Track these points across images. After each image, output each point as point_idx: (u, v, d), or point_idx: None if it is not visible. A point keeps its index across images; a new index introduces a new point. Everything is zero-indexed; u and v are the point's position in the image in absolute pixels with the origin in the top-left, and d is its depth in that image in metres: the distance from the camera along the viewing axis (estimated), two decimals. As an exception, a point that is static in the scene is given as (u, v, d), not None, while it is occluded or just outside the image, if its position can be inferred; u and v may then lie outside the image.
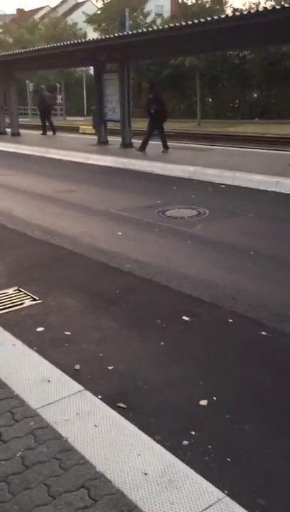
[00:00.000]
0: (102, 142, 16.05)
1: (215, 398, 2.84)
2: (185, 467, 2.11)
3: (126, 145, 15.11)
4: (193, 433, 2.54)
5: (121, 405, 2.73)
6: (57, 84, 40.39)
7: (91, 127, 21.70)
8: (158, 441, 2.35)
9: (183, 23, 11.49)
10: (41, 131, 20.59)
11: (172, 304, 4.21)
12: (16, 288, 4.51)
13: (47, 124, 20.55)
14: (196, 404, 2.78)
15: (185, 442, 2.48)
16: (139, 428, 2.40)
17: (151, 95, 14.40)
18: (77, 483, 1.96)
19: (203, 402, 2.79)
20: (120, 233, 6.37)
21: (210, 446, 2.44)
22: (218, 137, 21.19)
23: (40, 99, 21.02)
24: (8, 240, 6.12)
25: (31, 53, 17.06)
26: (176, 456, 2.23)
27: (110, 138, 16.42)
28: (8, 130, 20.75)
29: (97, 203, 8.10)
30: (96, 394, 2.70)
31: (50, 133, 20.57)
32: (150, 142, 13.87)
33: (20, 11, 63.48)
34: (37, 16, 56.22)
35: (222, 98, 33.68)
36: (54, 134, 20.57)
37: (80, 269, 5.08)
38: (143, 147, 13.50)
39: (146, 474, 2.02)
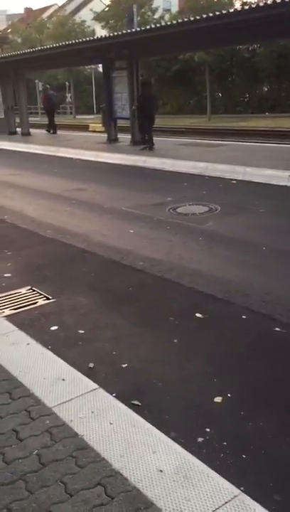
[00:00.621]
0: (112, 140, 16.06)
1: (229, 395, 2.84)
2: (200, 464, 2.12)
3: (136, 142, 15.09)
4: (208, 430, 2.55)
5: (136, 403, 2.74)
6: (66, 83, 40.47)
7: (100, 125, 21.72)
8: (173, 438, 2.36)
9: (192, 18, 11.43)
10: (51, 130, 20.67)
11: (184, 301, 4.21)
12: (29, 287, 4.54)
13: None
14: (211, 401, 2.78)
15: (200, 439, 2.48)
16: (154, 425, 2.41)
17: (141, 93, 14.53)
18: (94, 480, 1.98)
19: (218, 399, 2.80)
20: (131, 231, 6.38)
21: (225, 443, 2.45)
22: (229, 132, 21.06)
23: (45, 99, 21.11)
24: (20, 240, 6.16)
25: (40, 52, 17.10)
26: (191, 453, 2.24)
27: (120, 135, 16.43)
28: (19, 130, 20.86)
29: (108, 201, 8.12)
30: (110, 392, 2.72)
31: (43, 131, 20.58)
32: (159, 139, 13.86)
33: (28, 10, 63.62)
34: (45, 15, 56.30)
35: (232, 92, 33.47)
36: (54, 133, 20.54)
37: (92, 268, 5.10)
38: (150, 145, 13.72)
39: (161, 471, 2.03)
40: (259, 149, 13.47)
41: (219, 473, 2.10)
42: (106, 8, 39.10)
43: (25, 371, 2.81)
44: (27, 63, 19.63)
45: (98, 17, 38.47)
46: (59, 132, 20.65)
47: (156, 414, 2.67)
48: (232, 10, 11.34)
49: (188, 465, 2.07)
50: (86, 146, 15.04)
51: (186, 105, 35.91)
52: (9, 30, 55.36)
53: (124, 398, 2.71)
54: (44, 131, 21.04)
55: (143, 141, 14.04)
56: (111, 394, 2.70)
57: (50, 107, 20.96)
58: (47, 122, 21.57)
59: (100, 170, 12.11)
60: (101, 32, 31.31)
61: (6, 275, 4.90)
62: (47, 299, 4.28)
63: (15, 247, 5.86)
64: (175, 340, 3.51)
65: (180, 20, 12.14)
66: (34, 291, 4.46)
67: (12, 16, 67.04)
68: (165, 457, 2.10)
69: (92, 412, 2.41)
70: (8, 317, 3.83)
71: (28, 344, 3.16)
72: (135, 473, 2.02)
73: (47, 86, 22.50)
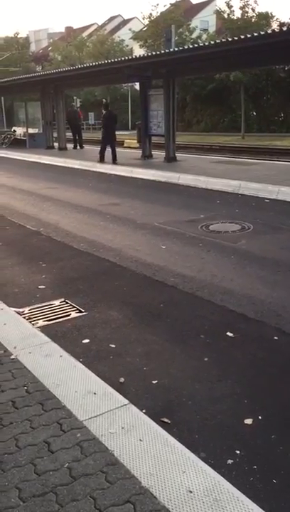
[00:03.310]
0: (147, 156, 16.24)
1: (260, 417, 2.80)
2: (230, 486, 2.09)
3: (170, 159, 15.24)
4: (238, 452, 2.52)
5: (166, 420, 2.73)
6: (103, 100, 41.22)
7: (135, 141, 22.03)
8: (202, 459, 2.33)
9: (229, 39, 11.55)
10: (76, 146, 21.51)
11: (216, 319, 4.19)
12: (63, 299, 4.61)
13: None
14: (241, 423, 2.75)
15: (230, 461, 2.45)
16: (183, 444, 2.39)
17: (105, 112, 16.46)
18: (123, 497, 1.98)
19: (248, 421, 2.76)
20: (164, 247, 6.40)
21: (255, 467, 2.41)
22: (262, 151, 20.99)
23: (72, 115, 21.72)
24: (55, 252, 6.27)
25: (80, 70, 17.54)
26: (221, 475, 2.21)
27: (154, 152, 16.60)
28: (56, 144, 21.33)
29: (141, 217, 8.18)
30: (140, 408, 2.72)
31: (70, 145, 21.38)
32: (193, 156, 13.97)
33: (68, 28, 65.44)
34: (85, 34, 57.75)
35: (266, 111, 33.44)
36: (81, 148, 21.52)
37: (125, 282, 5.14)
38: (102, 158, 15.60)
39: (191, 492, 2.01)
40: (294, 169, 13.36)
41: (250, 498, 2.06)
42: (145, 28, 39.79)
43: (58, 383, 2.84)
44: (67, 80, 20.15)
45: (136, 36, 39.19)
46: (95, 147, 20.99)
47: (186, 433, 2.66)
48: (269, 31, 11.36)
49: (218, 487, 2.05)
50: (121, 162, 15.24)
51: (220, 123, 36.02)
52: (50, 48, 56.98)
53: (153, 415, 2.71)
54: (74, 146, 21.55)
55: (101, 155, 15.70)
56: (141, 410, 2.70)
57: (75, 123, 21.65)
58: (85, 138, 22.18)
59: (134, 185, 12.23)
60: (139, 51, 31.92)
61: (40, 287, 4.99)
62: (80, 311, 4.33)
63: (49, 259, 5.96)
64: (206, 359, 3.49)
65: (218, 41, 12.27)
66: (67, 303, 4.52)
67: (53, 35, 69.08)
68: (195, 478, 2.09)
69: (123, 428, 2.41)
70: (42, 328, 3.90)
71: (60, 356, 3.20)
72: (164, 492, 2.01)
73: (73, 104, 23.14)
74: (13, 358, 3.16)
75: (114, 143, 15.87)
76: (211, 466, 2.27)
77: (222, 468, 2.36)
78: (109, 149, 15.56)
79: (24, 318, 4.08)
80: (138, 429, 2.42)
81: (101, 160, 15.63)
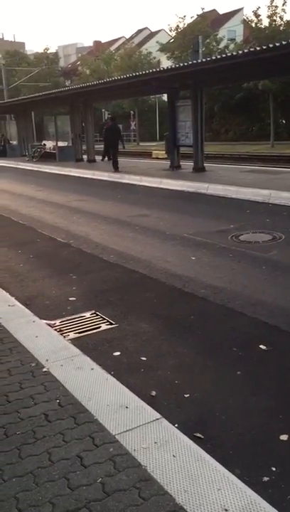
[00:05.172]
0: (175, 167, 16.27)
1: (296, 433, 2.72)
2: (267, 505, 2.03)
3: (199, 169, 15.22)
4: (274, 469, 2.45)
5: (199, 435, 2.69)
6: (131, 112, 41.66)
7: (163, 152, 22.14)
8: (237, 476, 2.28)
9: (257, 48, 11.49)
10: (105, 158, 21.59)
11: (248, 332, 4.13)
12: (93, 311, 4.63)
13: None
14: (276, 439, 2.68)
15: (266, 478, 2.39)
16: (217, 460, 2.34)
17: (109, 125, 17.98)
18: (157, 514, 1.95)
19: (284, 437, 2.69)
20: (194, 258, 6.37)
21: (292, 485, 2.34)
22: (293, 159, 20.74)
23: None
24: (85, 264, 6.31)
25: (109, 84, 17.78)
26: (256, 493, 2.16)
27: (182, 162, 16.61)
28: (85, 157, 21.62)
29: (170, 228, 8.17)
30: (173, 422, 2.69)
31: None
32: (222, 166, 13.93)
33: (97, 42, 66.47)
34: (113, 47, 58.56)
35: (296, 119, 33.09)
36: (109, 159, 21.67)
37: (155, 294, 5.12)
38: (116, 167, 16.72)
39: (226, 510, 1.96)
40: None
41: (287, 517, 2.00)
42: (172, 40, 40.06)
43: (90, 396, 2.84)
44: (95, 94, 20.45)
45: (163, 48, 39.48)
46: (123, 159, 21.18)
47: (220, 448, 2.61)
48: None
49: (255, 506, 1.99)
50: (149, 173, 15.32)
51: (249, 132, 35.83)
52: (78, 63, 57.98)
53: (186, 430, 2.67)
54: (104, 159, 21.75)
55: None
56: (174, 424, 2.66)
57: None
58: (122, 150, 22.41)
59: (163, 196, 12.25)
60: (166, 62, 32.14)
61: (70, 299, 5.03)
62: (111, 323, 4.34)
63: (80, 271, 6.00)
64: (239, 372, 3.43)
65: (245, 50, 12.23)
66: (98, 315, 4.53)
67: (81, 49, 70.37)
68: (230, 495, 2.04)
69: (156, 443, 2.39)
70: (73, 340, 3.91)
71: (92, 369, 3.20)
72: (199, 510, 1.97)
73: (110, 116, 23.44)
74: (45, 371, 3.18)
75: (115, 153, 17.26)
76: (246, 484, 2.22)
77: (258, 486, 2.30)
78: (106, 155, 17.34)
79: (55, 330, 4.11)
80: (171, 444, 2.39)
81: (116, 169, 16.67)
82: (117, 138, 17.74)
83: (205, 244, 7.03)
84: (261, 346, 3.80)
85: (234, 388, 3.24)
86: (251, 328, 4.20)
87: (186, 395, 3.14)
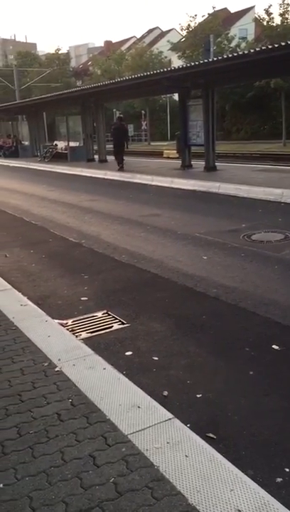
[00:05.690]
0: (186, 166, 16.25)
1: (309, 434, 2.70)
2: (280, 506, 2.02)
3: (210, 168, 15.18)
4: (287, 470, 2.43)
5: (211, 436, 2.68)
6: (142, 111, 41.66)
7: (174, 151, 22.11)
8: (250, 476, 2.27)
9: (269, 46, 11.42)
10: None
11: (260, 332, 4.10)
12: (105, 311, 4.63)
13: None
14: (289, 439, 2.66)
15: (279, 479, 2.38)
16: (230, 461, 2.33)
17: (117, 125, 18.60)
18: (170, 514, 1.94)
19: (297, 438, 2.67)
20: (205, 257, 6.35)
21: (305, 486, 2.32)
22: (305, 158, 20.59)
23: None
24: (97, 264, 6.33)
25: (120, 83, 17.80)
26: (270, 494, 2.14)
27: (193, 161, 16.58)
28: (96, 157, 21.66)
29: (182, 227, 8.16)
30: (185, 422, 2.68)
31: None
32: (233, 165, 13.86)
33: (108, 42, 66.64)
34: (124, 47, 58.65)
35: (308, 118, 32.78)
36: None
37: (167, 294, 5.12)
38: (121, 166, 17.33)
39: (239, 511, 1.95)
40: None
41: (300, 519, 1.99)
42: (183, 39, 39.98)
43: (102, 396, 2.84)
44: (106, 94, 20.48)
45: (174, 47, 39.44)
46: (134, 159, 21.20)
47: (232, 449, 2.60)
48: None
49: (268, 507, 1.98)
50: (160, 173, 15.31)
51: (260, 131, 35.61)
52: (89, 63, 58.17)
53: (198, 430, 2.66)
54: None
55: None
56: (186, 424, 2.66)
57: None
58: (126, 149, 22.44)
59: (174, 196, 12.24)
60: (177, 62, 32.08)
61: (82, 298, 5.04)
62: (122, 323, 4.34)
63: (91, 271, 6.02)
64: (251, 373, 3.41)
65: (257, 49, 12.16)
66: (109, 315, 4.54)
67: (93, 49, 70.57)
68: (243, 496, 2.03)
69: (168, 443, 2.38)
70: (85, 340, 3.92)
71: (104, 369, 3.20)
72: (212, 510, 1.96)
73: (121, 116, 23.47)
74: (58, 370, 3.19)
75: (121, 152, 17.86)
76: (259, 484, 2.20)
77: (271, 487, 2.29)
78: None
79: (67, 330, 4.12)
80: (184, 445, 2.38)
81: (120, 168, 17.26)
82: (122, 137, 18.22)
83: (217, 243, 7.00)
84: (273, 346, 3.77)
85: (246, 388, 3.23)
86: (264, 327, 4.18)
87: (198, 395, 3.13)
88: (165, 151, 26.24)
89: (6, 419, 2.68)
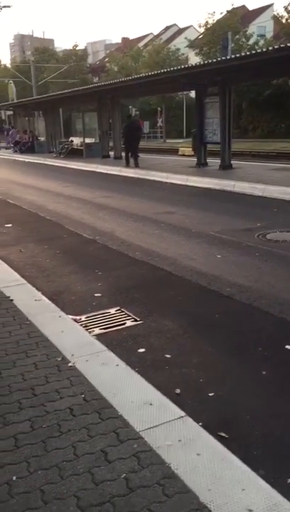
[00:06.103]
0: (202, 164, 16.19)
1: None
2: (292, 508, 2.01)
3: (226, 166, 15.11)
4: (299, 471, 2.42)
5: (223, 435, 2.68)
6: (158, 108, 41.59)
7: (190, 149, 22.02)
8: (262, 476, 2.26)
9: (288, 44, 11.30)
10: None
11: (274, 332, 4.08)
12: (118, 308, 4.65)
13: None
14: (302, 441, 2.65)
15: (291, 481, 2.36)
16: (242, 460, 2.33)
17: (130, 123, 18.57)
18: None
19: (310, 440, 2.65)
20: (219, 256, 6.33)
21: (318, 488, 2.30)
22: None
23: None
24: (111, 261, 6.34)
25: (136, 80, 17.78)
26: (281, 494, 2.13)
27: (209, 159, 16.51)
28: (111, 153, 21.69)
29: (196, 225, 8.14)
30: (197, 420, 2.68)
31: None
32: (249, 164, 13.77)
33: (125, 39, 66.61)
34: (141, 44, 58.57)
35: None
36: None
37: (180, 292, 5.11)
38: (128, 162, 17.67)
39: (250, 511, 1.95)
40: None
41: (312, 521, 1.97)
42: (201, 36, 39.80)
43: (114, 392, 2.85)
44: (123, 91, 20.47)
45: (192, 44, 39.29)
46: (150, 156, 21.18)
47: (244, 448, 2.59)
48: None
49: (279, 507, 1.97)
50: (176, 170, 15.27)
51: (277, 129, 35.33)
52: (106, 60, 58.21)
53: (210, 428, 2.65)
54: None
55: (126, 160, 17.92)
56: (198, 423, 2.66)
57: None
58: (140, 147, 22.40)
59: (189, 194, 12.20)
60: (194, 59, 31.95)
61: (96, 295, 5.06)
62: (135, 320, 4.35)
63: (105, 267, 6.04)
64: (264, 372, 3.40)
65: (276, 47, 12.05)
66: (123, 312, 4.55)
67: (110, 46, 70.62)
68: (254, 496, 2.02)
69: (180, 441, 2.38)
70: (98, 336, 3.94)
71: (117, 365, 3.22)
72: (223, 509, 1.96)
73: (138, 113, 23.41)
74: (71, 366, 3.21)
75: (135, 149, 17.83)
76: (271, 485, 2.20)
77: (283, 487, 2.27)
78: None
79: (81, 326, 4.14)
80: (196, 443, 2.39)
81: (127, 164, 17.65)
82: (133, 134, 18.08)
83: (231, 242, 6.98)
84: (287, 346, 3.75)
85: (259, 388, 3.21)
86: (278, 327, 4.16)
87: (211, 394, 3.13)
88: (180, 149, 26.14)
89: (19, 413, 2.71)
